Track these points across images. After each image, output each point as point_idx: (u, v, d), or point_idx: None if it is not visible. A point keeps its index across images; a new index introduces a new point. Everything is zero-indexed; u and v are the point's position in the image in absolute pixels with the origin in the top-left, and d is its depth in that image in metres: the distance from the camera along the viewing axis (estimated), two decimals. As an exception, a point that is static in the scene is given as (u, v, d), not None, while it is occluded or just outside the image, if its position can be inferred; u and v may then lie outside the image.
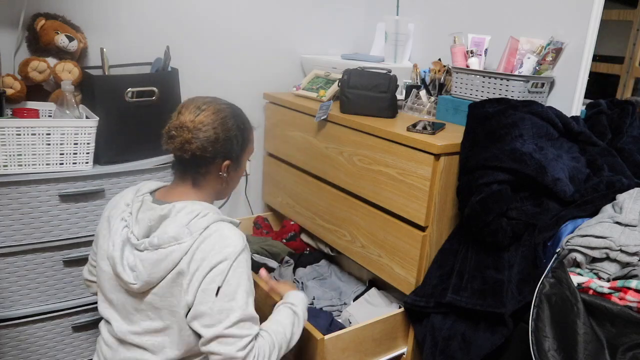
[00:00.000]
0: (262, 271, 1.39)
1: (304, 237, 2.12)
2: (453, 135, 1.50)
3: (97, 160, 1.55)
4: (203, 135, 1.09)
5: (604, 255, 1.06)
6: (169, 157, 1.70)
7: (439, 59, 1.92)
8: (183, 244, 1.04)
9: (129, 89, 1.57)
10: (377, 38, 2.29)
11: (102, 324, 1.20)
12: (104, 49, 1.66)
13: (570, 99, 1.63)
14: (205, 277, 1.03)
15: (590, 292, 1.04)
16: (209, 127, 1.10)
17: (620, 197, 1.18)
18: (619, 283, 1.01)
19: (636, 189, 1.22)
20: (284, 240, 2.09)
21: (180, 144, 1.09)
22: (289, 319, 1.19)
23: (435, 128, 1.52)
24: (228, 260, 1.04)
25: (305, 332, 1.40)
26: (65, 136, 1.45)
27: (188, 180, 1.15)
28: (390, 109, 1.71)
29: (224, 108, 1.15)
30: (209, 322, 1.03)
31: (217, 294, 1.03)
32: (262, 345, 1.07)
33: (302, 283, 1.90)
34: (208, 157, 1.12)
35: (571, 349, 0.98)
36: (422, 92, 1.84)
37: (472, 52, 1.72)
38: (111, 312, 1.16)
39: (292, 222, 2.10)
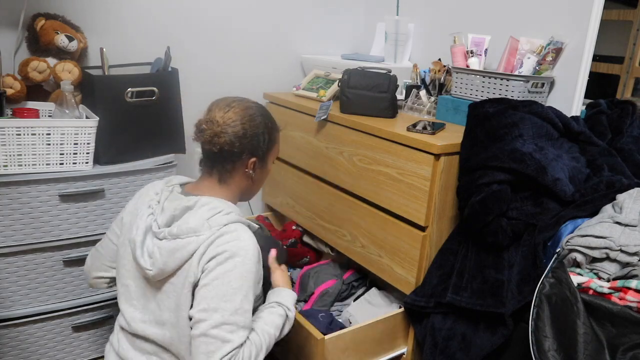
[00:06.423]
0: (273, 252, 1.35)
1: (304, 238, 2.11)
2: (453, 135, 1.50)
3: (97, 160, 1.55)
4: (231, 130, 1.14)
5: (604, 255, 1.06)
6: (169, 157, 1.71)
7: (439, 59, 1.92)
8: (200, 236, 1.07)
9: (129, 89, 1.57)
10: (377, 38, 2.29)
11: (117, 320, 1.23)
12: (104, 49, 1.66)
13: (570, 99, 1.63)
14: (212, 271, 1.05)
15: (590, 292, 1.04)
16: (237, 122, 1.15)
17: (620, 197, 1.18)
18: (619, 283, 1.01)
19: (636, 189, 1.22)
20: (285, 247, 2.07)
21: (210, 137, 1.13)
22: (280, 320, 1.18)
23: (435, 128, 1.52)
24: (238, 260, 1.06)
25: (305, 332, 1.40)
26: (65, 136, 1.45)
27: (215, 175, 1.19)
28: (390, 109, 1.71)
29: (252, 106, 1.20)
30: (201, 312, 1.04)
31: (217, 290, 1.04)
32: (250, 348, 1.06)
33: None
34: (235, 152, 1.16)
35: (571, 349, 0.98)
36: (422, 92, 1.84)
37: (472, 52, 1.72)
38: (126, 303, 1.18)
39: (293, 227, 2.10)
